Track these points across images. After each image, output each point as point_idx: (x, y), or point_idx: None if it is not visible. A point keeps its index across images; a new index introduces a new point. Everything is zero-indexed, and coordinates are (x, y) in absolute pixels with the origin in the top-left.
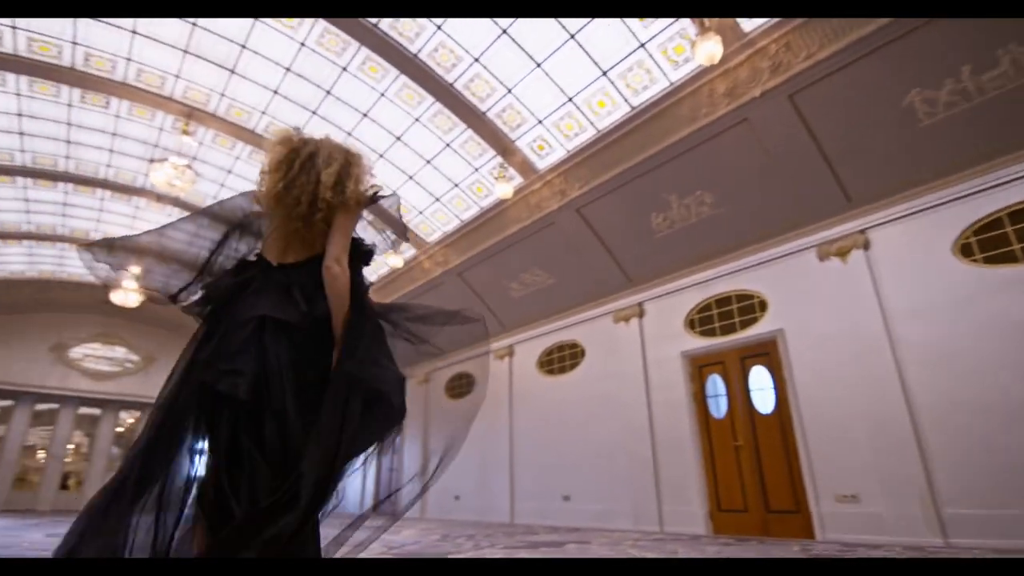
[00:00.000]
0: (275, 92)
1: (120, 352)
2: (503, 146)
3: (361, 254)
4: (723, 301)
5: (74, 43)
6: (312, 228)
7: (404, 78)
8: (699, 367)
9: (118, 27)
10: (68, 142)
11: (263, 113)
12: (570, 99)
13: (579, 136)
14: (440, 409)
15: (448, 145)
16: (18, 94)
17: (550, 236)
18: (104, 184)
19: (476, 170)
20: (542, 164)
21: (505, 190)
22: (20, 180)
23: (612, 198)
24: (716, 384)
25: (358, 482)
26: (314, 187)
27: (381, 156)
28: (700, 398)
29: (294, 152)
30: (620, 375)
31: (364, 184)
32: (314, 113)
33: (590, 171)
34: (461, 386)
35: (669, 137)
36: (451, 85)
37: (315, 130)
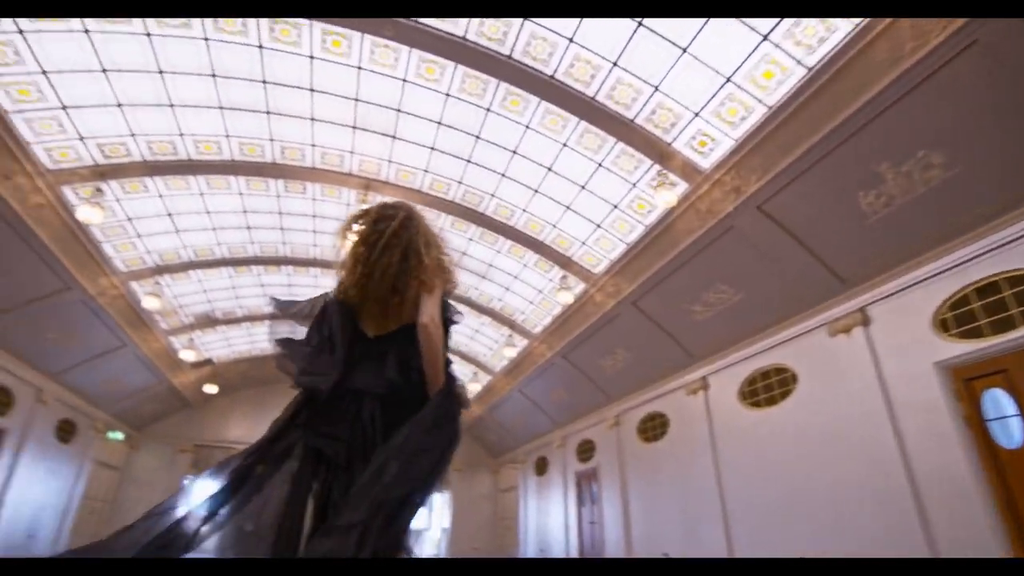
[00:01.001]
0: (432, 148)
1: None
2: (659, 151)
3: (447, 318)
4: (989, 288)
5: (271, 140)
6: (404, 301)
7: (545, 104)
8: (966, 380)
9: (298, 117)
10: (282, 229)
11: (425, 171)
12: (728, 79)
13: (746, 120)
14: (634, 455)
15: (600, 165)
16: (240, 193)
17: (730, 244)
18: (314, 263)
19: (634, 185)
20: (707, 162)
21: (668, 198)
22: (254, 268)
23: (801, 184)
24: (999, 402)
25: (561, 534)
26: (399, 266)
27: (536, 192)
28: (976, 422)
29: (370, 240)
30: (848, 400)
31: (443, 248)
32: (469, 161)
33: (766, 158)
34: (654, 427)
35: (865, 92)
36: (592, 99)
37: (473, 178)
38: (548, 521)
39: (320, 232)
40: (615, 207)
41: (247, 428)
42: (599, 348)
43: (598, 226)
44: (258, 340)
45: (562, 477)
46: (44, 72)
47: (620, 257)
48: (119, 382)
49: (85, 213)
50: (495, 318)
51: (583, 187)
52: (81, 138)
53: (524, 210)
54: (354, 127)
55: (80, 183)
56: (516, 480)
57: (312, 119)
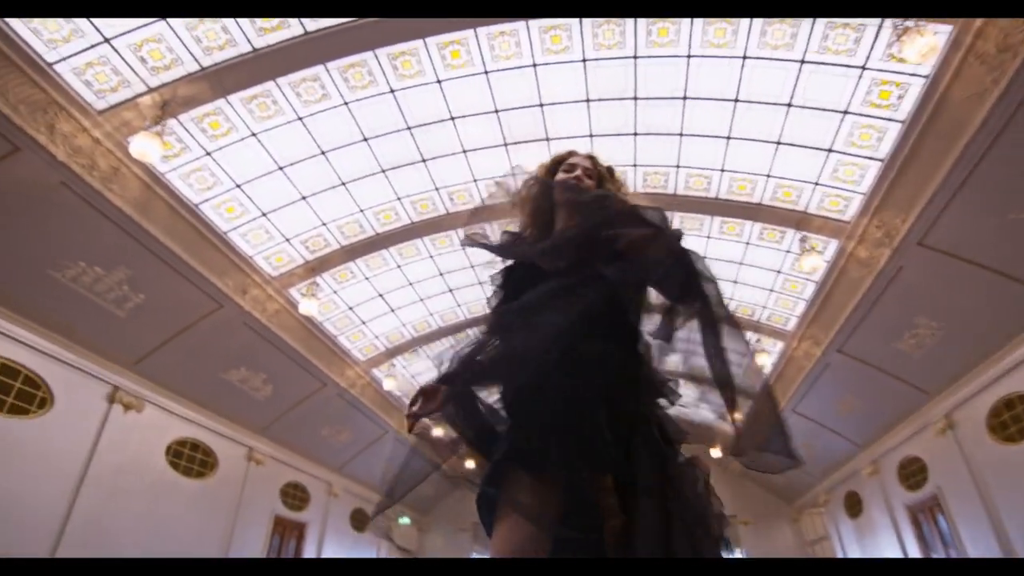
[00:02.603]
0: None
1: None
2: (795, 219)
3: None
4: None
5: (436, 188)
6: None
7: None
8: None
9: (450, 154)
10: (480, 283)
11: None
12: (829, 150)
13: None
14: (992, 466)
15: (748, 244)
16: (430, 255)
17: (910, 279)
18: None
19: (787, 252)
20: (846, 216)
21: (815, 262)
22: (470, 332)
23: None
24: None
25: None
26: None
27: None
28: None
29: None
30: None
31: None
32: None
33: (909, 190)
34: (1017, 417)
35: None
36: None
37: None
38: None
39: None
40: (779, 272)
41: None
42: (889, 323)
43: (771, 291)
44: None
45: (887, 515)
46: (239, 186)
47: (805, 312)
48: (393, 468)
49: (306, 306)
50: (730, 323)
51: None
52: (287, 239)
53: None
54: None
55: (299, 282)
56: (824, 528)
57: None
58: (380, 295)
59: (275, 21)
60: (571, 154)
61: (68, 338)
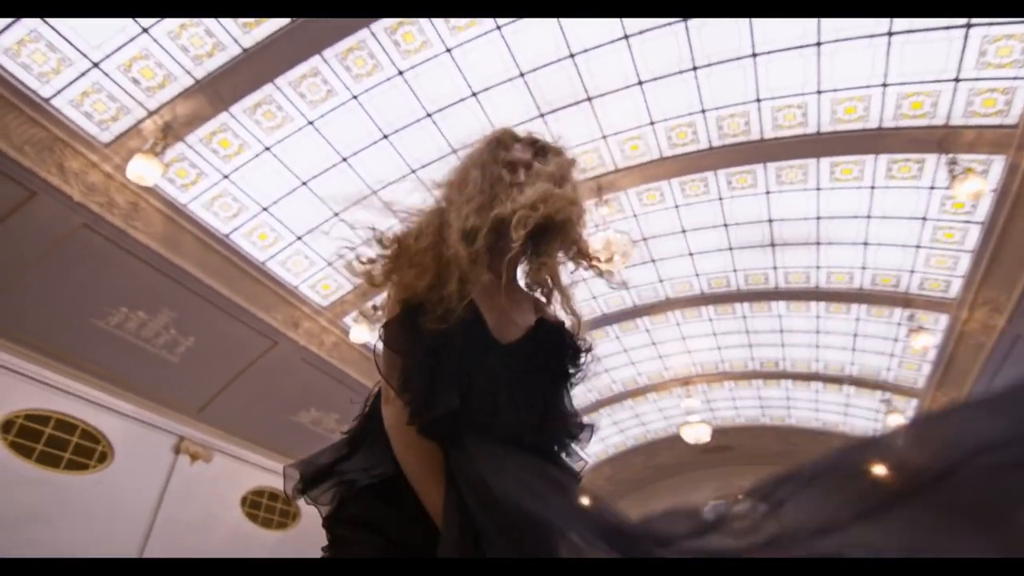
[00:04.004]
0: None
1: (744, 504)
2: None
3: None
4: None
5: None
6: None
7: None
8: None
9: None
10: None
11: None
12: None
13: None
14: None
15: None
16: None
17: None
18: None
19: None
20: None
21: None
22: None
23: None
24: None
25: None
26: None
27: None
28: None
29: None
30: None
31: None
32: None
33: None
34: None
35: None
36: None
37: None
38: None
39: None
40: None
41: None
42: None
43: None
44: (609, 436)
45: None
46: (265, 209)
47: None
48: None
49: (358, 333)
50: (859, 384)
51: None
52: (329, 264)
53: None
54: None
55: (352, 309)
56: None
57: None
58: None
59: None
60: (507, 140)
61: (123, 388)
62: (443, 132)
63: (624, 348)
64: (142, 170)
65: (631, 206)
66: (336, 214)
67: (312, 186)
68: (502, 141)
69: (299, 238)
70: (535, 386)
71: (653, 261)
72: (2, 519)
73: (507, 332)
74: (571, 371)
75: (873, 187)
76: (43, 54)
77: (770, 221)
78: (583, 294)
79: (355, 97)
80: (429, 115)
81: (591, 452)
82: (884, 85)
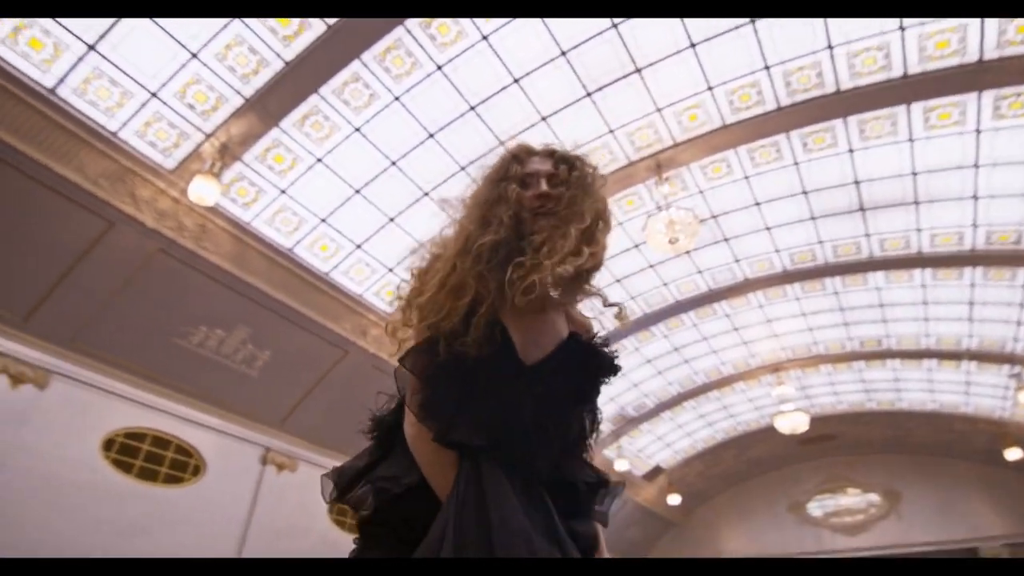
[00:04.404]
0: None
1: (855, 497)
2: None
3: None
4: None
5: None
6: None
7: None
8: None
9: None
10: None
11: None
12: None
13: None
14: None
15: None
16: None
17: None
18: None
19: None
20: None
21: None
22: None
23: None
24: None
25: None
26: None
27: None
28: None
29: None
30: None
31: None
32: None
33: None
34: None
35: None
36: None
37: None
38: None
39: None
40: None
41: (741, 537)
42: None
43: None
44: (697, 430)
45: None
46: (324, 220)
47: None
48: None
49: None
50: (980, 359)
51: None
52: (390, 269)
53: None
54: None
55: None
56: None
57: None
58: None
59: (295, 24)
60: (522, 155)
61: (210, 403)
62: (488, 124)
63: (703, 336)
64: (202, 191)
65: (695, 182)
66: (391, 219)
67: (366, 193)
68: (517, 156)
69: (358, 246)
70: (560, 413)
71: (726, 240)
72: (108, 532)
73: (534, 351)
74: (600, 383)
75: (978, 130)
76: (107, 89)
77: (857, 183)
78: (650, 281)
79: (397, 98)
80: (472, 108)
81: (678, 448)
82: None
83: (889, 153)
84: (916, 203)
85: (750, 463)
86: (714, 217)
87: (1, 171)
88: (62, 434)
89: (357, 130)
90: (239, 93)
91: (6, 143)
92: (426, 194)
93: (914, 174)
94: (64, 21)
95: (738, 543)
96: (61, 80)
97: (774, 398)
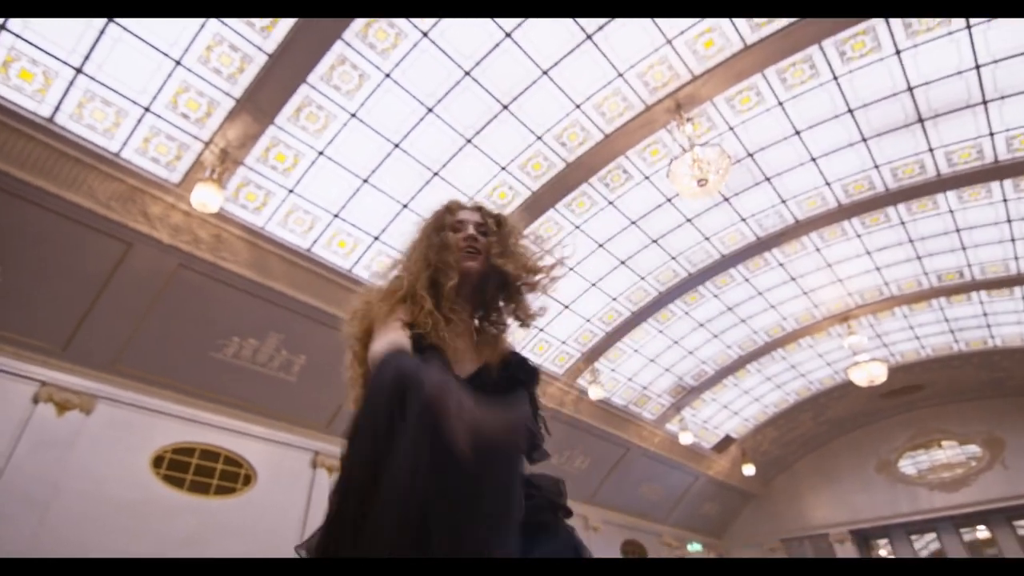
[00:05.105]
0: None
1: (951, 450)
2: None
3: None
4: None
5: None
6: None
7: None
8: None
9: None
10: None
11: None
12: None
13: None
14: None
15: None
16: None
17: None
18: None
19: None
20: None
21: None
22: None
23: None
24: None
25: None
26: None
27: None
28: None
29: None
30: None
31: None
32: None
33: None
34: None
35: None
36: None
37: None
38: None
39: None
40: None
41: (828, 505)
42: None
43: None
44: (765, 394)
45: None
46: (336, 215)
47: None
48: (657, 489)
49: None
50: None
51: None
52: None
53: None
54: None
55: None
56: None
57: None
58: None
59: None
60: (454, 207)
61: (254, 412)
62: (487, 88)
63: (757, 291)
64: (204, 197)
65: (722, 118)
66: (405, 206)
67: (374, 181)
68: (450, 208)
69: (376, 238)
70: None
71: (767, 179)
72: (164, 545)
73: (464, 369)
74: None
75: None
76: (101, 111)
77: (910, 89)
78: (690, 237)
79: (388, 75)
80: (467, 73)
81: (747, 415)
82: None
83: (944, 47)
84: (985, 103)
85: (830, 424)
86: (750, 155)
87: (16, 206)
88: (111, 455)
89: (353, 115)
90: (228, 95)
91: (16, 178)
92: (436, 174)
93: (977, 67)
94: (48, 46)
95: (825, 511)
96: (56, 108)
97: (846, 350)
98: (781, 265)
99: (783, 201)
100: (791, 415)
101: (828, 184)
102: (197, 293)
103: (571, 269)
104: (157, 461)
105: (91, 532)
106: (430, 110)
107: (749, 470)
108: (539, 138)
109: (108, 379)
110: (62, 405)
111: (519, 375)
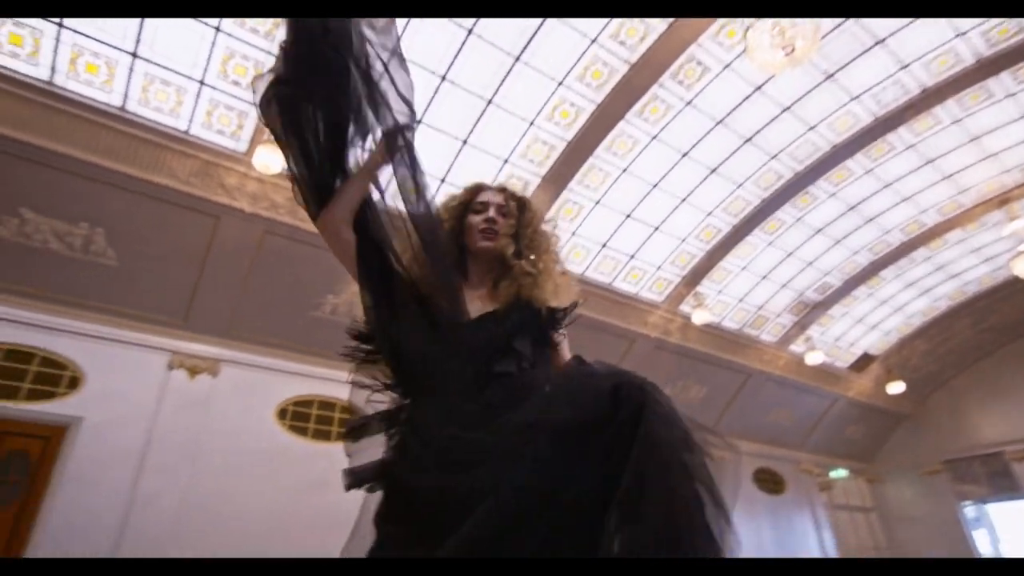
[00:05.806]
0: None
1: None
2: None
3: None
4: None
5: None
6: None
7: None
8: None
9: None
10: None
11: None
12: None
13: None
14: None
15: None
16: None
17: None
18: None
19: None
20: None
21: None
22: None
23: None
24: None
25: None
26: None
27: None
28: None
29: None
30: None
31: None
32: None
33: None
34: None
35: None
36: None
37: None
38: None
39: None
40: None
41: (999, 423)
42: None
43: None
44: (907, 303)
45: None
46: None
47: None
48: (789, 414)
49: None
50: None
51: None
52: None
53: None
54: None
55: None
56: None
57: None
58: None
59: None
60: (478, 190)
61: None
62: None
63: (884, 182)
64: (266, 159)
65: None
66: (465, 142)
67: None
68: (473, 190)
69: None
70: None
71: (879, 42)
72: (294, 489)
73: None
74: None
75: None
76: (163, 91)
77: None
78: (792, 130)
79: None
80: (470, 32)
81: (888, 328)
82: None
83: None
84: None
85: (995, 331)
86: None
87: (115, 194)
88: (241, 411)
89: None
90: (269, 53)
91: (110, 169)
92: (490, 102)
93: None
94: (102, 36)
95: (995, 429)
96: (125, 96)
97: (1009, 239)
98: (911, 147)
99: (904, 66)
100: (944, 324)
101: (962, 34)
102: (286, 256)
103: (654, 186)
104: (281, 413)
105: (233, 482)
106: (470, 32)
107: (896, 388)
108: (593, 40)
109: (227, 343)
110: (192, 370)
111: (515, 314)
